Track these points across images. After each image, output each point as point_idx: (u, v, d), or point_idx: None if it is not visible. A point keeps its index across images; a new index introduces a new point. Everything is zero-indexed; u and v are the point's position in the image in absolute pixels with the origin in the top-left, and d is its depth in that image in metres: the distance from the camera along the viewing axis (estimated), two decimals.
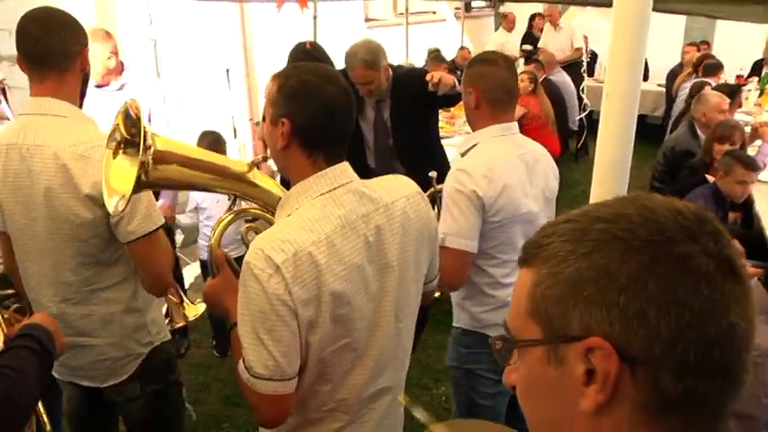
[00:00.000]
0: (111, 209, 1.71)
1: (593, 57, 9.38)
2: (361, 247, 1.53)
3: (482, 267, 2.31)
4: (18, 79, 6.09)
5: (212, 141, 3.86)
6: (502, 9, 9.61)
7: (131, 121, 1.68)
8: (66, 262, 1.98)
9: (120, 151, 1.72)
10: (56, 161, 1.86)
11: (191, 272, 5.14)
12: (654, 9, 1.65)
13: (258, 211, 1.87)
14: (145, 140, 1.58)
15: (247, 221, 1.89)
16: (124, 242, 1.95)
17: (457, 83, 3.49)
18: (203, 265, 4.27)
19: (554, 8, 8.50)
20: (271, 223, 1.80)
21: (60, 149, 1.86)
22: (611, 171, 1.72)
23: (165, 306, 4.03)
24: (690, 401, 0.69)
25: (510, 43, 9.16)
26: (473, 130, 2.39)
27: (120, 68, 3.80)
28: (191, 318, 2.15)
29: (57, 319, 1.99)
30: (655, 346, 0.67)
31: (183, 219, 4.12)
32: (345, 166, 1.57)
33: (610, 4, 1.77)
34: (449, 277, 2.13)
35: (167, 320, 2.10)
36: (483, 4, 10.41)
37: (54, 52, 1.92)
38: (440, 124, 5.12)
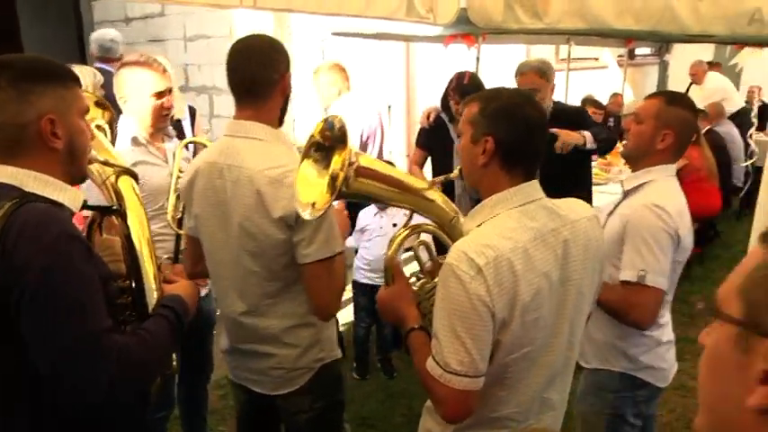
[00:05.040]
0: (302, 213, 1.81)
1: (765, 107, 8.85)
2: (550, 258, 1.62)
3: None
4: (221, 108, 6.71)
5: None
6: (667, 56, 9.32)
7: (333, 134, 1.81)
8: (252, 275, 2.09)
9: (313, 160, 1.86)
10: (251, 184, 1.98)
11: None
12: None
13: (432, 228, 1.99)
14: (350, 156, 1.72)
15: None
16: (300, 263, 2.02)
17: (589, 139, 3.61)
18: (355, 285, 4.44)
19: (699, 68, 8.34)
20: (441, 239, 1.94)
21: (255, 172, 1.98)
22: None
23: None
24: None
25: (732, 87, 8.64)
26: (639, 166, 2.37)
27: None
28: None
29: (239, 326, 2.19)
30: None
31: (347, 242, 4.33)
32: (536, 184, 1.69)
33: None
34: (650, 315, 2.20)
35: None
36: (648, 51, 10.15)
37: (255, 80, 2.04)
38: (594, 171, 5.08)
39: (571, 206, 1.75)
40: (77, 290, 1.44)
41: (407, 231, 1.96)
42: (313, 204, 1.79)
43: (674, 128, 2.27)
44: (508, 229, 1.59)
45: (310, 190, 1.82)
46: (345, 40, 5.69)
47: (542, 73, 3.71)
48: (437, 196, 1.97)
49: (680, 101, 2.35)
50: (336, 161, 1.76)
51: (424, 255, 2.06)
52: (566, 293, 1.68)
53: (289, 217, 1.95)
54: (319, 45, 5.62)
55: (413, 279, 1.99)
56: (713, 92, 8.16)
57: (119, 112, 2.86)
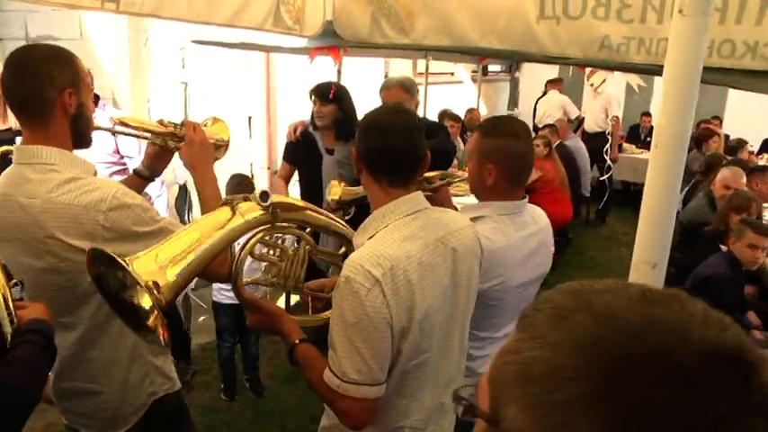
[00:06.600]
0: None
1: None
2: (441, 265, 1.66)
3: None
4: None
5: (235, 184, 3.96)
6: (517, 74, 9.82)
7: (116, 266, 1.47)
8: (69, 310, 1.89)
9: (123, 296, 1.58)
10: (44, 214, 1.76)
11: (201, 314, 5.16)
12: (702, 81, 1.72)
13: (252, 241, 1.79)
14: (141, 283, 1.43)
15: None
16: None
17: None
18: (216, 306, 4.25)
19: (604, 75, 8.50)
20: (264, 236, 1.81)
21: (46, 201, 1.76)
22: (656, 224, 1.79)
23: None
24: None
25: (569, 104, 9.14)
26: (479, 199, 2.24)
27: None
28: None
29: (64, 362, 1.95)
30: None
31: None
32: (419, 195, 1.74)
33: (655, 72, 1.85)
34: None
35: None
36: (499, 68, 10.65)
37: (29, 100, 1.80)
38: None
39: (451, 216, 1.82)
40: None
41: (241, 256, 1.79)
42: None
43: (494, 161, 2.12)
44: (400, 238, 1.62)
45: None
46: (205, 48, 5.51)
47: (407, 89, 3.89)
48: (248, 209, 1.69)
49: (496, 129, 2.17)
50: (136, 295, 1.54)
51: (264, 249, 1.93)
52: (457, 298, 1.74)
53: (96, 237, 1.73)
54: (178, 53, 5.39)
55: (271, 269, 1.88)
56: (613, 98, 8.67)
57: None
